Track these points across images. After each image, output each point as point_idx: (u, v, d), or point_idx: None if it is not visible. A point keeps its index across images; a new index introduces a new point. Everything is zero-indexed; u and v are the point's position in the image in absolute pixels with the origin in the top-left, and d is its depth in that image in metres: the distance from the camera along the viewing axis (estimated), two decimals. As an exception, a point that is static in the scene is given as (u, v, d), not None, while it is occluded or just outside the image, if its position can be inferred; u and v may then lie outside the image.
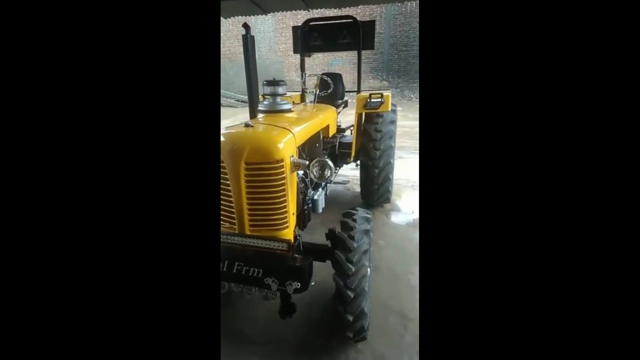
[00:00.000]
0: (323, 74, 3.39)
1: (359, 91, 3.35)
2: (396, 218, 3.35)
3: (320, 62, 11.52)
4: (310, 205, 2.12)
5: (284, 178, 1.64)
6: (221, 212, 1.76)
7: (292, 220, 1.77)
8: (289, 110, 2.11)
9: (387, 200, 3.37)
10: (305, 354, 1.78)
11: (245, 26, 1.96)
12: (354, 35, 3.33)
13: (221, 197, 1.71)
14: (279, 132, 1.69)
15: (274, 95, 2.09)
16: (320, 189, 2.28)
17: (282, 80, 2.11)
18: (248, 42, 1.91)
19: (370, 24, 3.34)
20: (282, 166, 1.61)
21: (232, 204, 1.67)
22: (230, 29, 12.88)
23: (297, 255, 1.48)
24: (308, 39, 3.49)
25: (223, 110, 9.62)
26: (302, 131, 1.92)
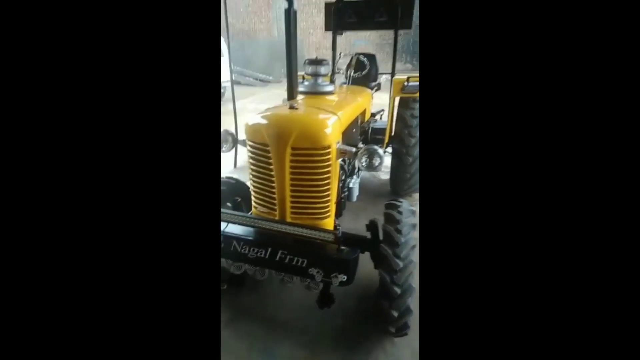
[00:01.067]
0: (359, 54, 3.23)
1: (393, 74, 3.19)
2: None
3: (342, 42, 11.15)
4: (347, 193, 2.04)
5: (329, 165, 1.55)
6: (260, 196, 1.70)
7: (333, 208, 1.70)
8: (331, 92, 1.99)
9: (417, 190, 3.27)
10: (342, 344, 1.75)
11: None
12: (391, 14, 3.14)
13: (261, 181, 1.65)
14: (327, 116, 1.59)
15: (316, 75, 1.97)
16: (355, 177, 2.20)
17: (325, 60, 1.98)
18: (291, 16, 1.78)
19: (409, 2, 3.13)
20: (329, 152, 1.53)
21: (273, 189, 1.61)
22: (250, 4, 12.51)
23: (343, 247, 1.42)
24: (342, 16, 3.31)
25: (241, 89, 9.49)
26: (345, 115, 1.82)
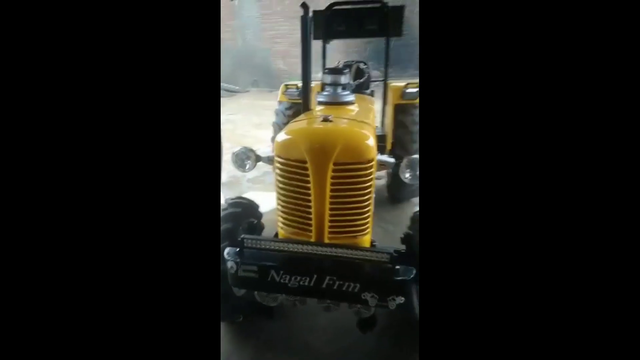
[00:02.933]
0: (357, 62, 3.20)
1: (385, 81, 3.18)
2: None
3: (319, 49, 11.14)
4: None
5: (372, 179, 1.46)
6: (291, 217, 1.55)
7: (371, 224, 1.60)
8: (352, 102, 1.90)
9: (416, 195, 3.28)
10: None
11: (304, 6, 1.72)
12: (381, 21, 3.14)
13: (294, 200, 1.50)
14: (366, 127, 1.50)
15: (336, 84, 1.87)
16: None
17: (346, 68, 1.89)
18: (307, 24, 1.68)
19: (399, 10, 3.16)
20: (372, 166, 1.43)
21: (309, 208, 1.47)
22: (211, 13, 12.17)
23: (398, 267, 1.32)
24: (331, 24, 3.26)
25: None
26: (374, 125, 1.74)
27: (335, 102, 1.86)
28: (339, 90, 1.88)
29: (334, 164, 1.37)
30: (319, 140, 1.37)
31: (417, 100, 2.83)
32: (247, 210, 1.84)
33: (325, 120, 1.48)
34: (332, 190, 1.42)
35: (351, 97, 1.90)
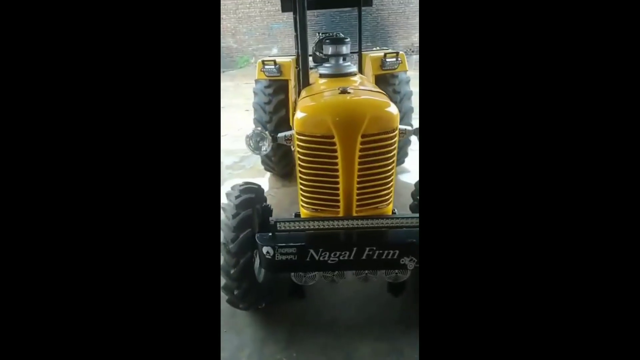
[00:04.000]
0: (327, 33, 3.11)
1: (360, 52, 3.16)
2: (405, 178, 3.40)
3: (259, 25, 10.62)
4: None
5: (395, 148, 1.47)
6: (316, 195, 1.53)
7: (393, 193, 1.64)
8: (355, 73, 1.86)
9: (402, 162, 3.38)
10: (414, 323, 1.73)
11: None
12: None
13: (320, 177, 1.48)
14: (385, 97, 1.49)
15: (337, 55, 1.80)
16: None
17: (347, 38, 1.82)
18: None
19: None
20: (396, 135, 1.44)
21: (336, 184, 1.45)
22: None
23: None
24: None
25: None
26: (380, 95, 1.73)
27: (339, 74, 1.81)
28: (341, 61, 1.83)
29: (362, 136, 1.36)
30: (346, 113, 1.34)
31: (396, 69, 2.85)
32: (259, 194, 1.78)
33: (344, 92, 1.44)
34: (359, 163, 1.41)
35: (354, 68, 1.87)
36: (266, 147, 1.58)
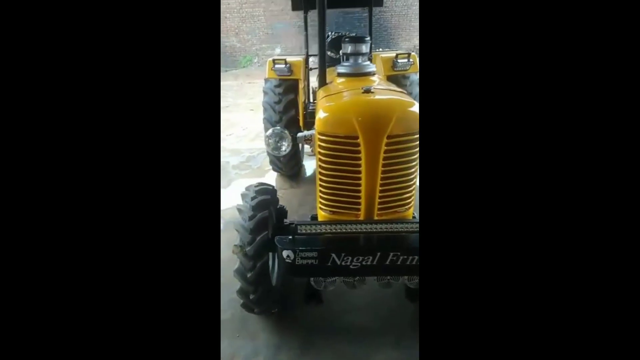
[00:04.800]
0: (341, 33, 3.07)
1: (370, 52, 3.12)
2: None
3: (263, 24, 10.58)
4: None
5: (418, 150, 1.43)
6: (336, 197, 1.48)
7: (414, 197, 1.60)
8: (374, 73, 1.81)
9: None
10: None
11: None
12: None
13: (341, 179, 1.43)
14: (408, 97, 1.44)
15: (357, 54, 1.75)
16: None
17: (366, 37, 1.78)
18: None
19: None
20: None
21: (357, 187, 1.41)
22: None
23: None
24: None
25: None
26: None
27: (358, 74, 1.76)
28: (360, 60, 1.78)
29: (387, 137, 1.32)
30: (372, 113, 1.29)
31: (408, 70, 2.82)
32: (273, 196, 1.74)
33: (368, 91, 1.40)
34: (383, 165, 1.37)
35: (373, 67, 1.82)
36: (286, 147, 1.53)
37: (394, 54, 2.86)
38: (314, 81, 3.31)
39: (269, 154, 3.08)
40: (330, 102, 1.43)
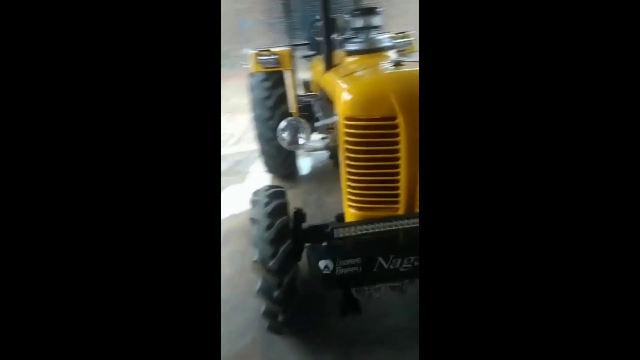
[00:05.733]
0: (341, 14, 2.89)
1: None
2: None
3: (227, 24, 10.14)
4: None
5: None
6: (370, 192, 1.27)
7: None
8: (391, 47, 1.60)
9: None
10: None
11: None
12: None
13: (376, 170, 1.23)
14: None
15: (369, 28, 1.54)
16: None
17: (378, 7, 1.57)
18: None
19: None
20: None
21: (396, 175, 1.21)
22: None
23: None
24: None
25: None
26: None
27: (373, 49, 1.53)
28: (372, 34, 1.56)
29: (428, 115, 1.13)
30: (414, 88, 1.08)
31: (406, 51, 2.67)
32: (287, 198, 1.52)
33: (398, 64, 1.20)
34: (424, 149, 1.18)
35: (389, 42, 1.61)
36: (304, 138, 1.31)
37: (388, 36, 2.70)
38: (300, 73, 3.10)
39: (265, 153, 2.84)
40: (355, 82, 1.22)
